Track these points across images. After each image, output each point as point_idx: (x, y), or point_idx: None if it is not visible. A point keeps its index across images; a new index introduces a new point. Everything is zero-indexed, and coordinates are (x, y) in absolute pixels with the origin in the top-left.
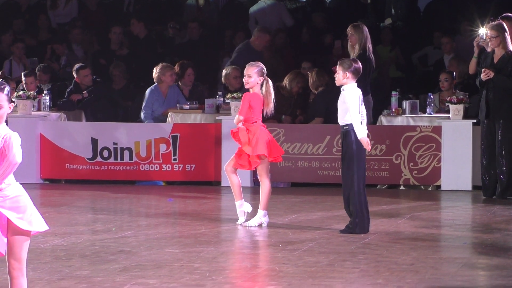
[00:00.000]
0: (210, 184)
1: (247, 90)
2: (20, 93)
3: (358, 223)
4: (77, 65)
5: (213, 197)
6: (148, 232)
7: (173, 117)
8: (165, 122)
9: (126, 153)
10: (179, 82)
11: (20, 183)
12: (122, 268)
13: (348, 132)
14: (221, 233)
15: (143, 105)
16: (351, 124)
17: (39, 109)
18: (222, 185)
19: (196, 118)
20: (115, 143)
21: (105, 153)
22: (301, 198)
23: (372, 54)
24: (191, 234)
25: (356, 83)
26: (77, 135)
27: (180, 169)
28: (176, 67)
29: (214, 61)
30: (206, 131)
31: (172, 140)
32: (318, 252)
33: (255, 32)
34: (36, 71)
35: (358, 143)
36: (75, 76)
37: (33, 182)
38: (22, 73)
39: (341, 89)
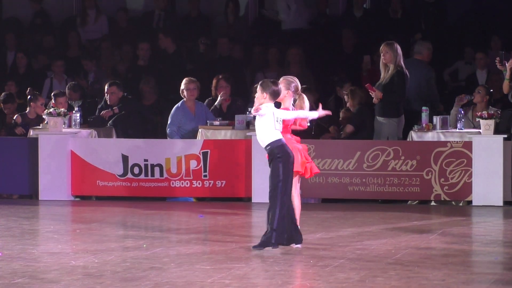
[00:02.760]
0: (241, 200)
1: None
2: (51, 110)
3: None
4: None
5: (243, 213)
6: (179, 248)
7: (203, 134)
8: (195, 138)
9: (156, 169)
10: (219, 96)
11: (51, 200)
12: (153, 284)
13: (271, 149)
14: (251, 250)
15: (168, 122)
16: (274, 141)
17: (69, 126)
18: (252, 201)
19: (226, 134)
20: (145, 160)
21: (136, 170)
22: (331, 214)
23: (407, 71)
24: (222, 251)
25: (273, 104)
26: (107, 152)
27: (210, 186)
28: (214, 82)
29: (244, 77)
30: (237, 147)
31: (202, 157)
32: (349, 268)
33: (421, 50)
34: (67, 89)
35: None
36: (105, 92)
37: (64, 199)
38: (52, 94)
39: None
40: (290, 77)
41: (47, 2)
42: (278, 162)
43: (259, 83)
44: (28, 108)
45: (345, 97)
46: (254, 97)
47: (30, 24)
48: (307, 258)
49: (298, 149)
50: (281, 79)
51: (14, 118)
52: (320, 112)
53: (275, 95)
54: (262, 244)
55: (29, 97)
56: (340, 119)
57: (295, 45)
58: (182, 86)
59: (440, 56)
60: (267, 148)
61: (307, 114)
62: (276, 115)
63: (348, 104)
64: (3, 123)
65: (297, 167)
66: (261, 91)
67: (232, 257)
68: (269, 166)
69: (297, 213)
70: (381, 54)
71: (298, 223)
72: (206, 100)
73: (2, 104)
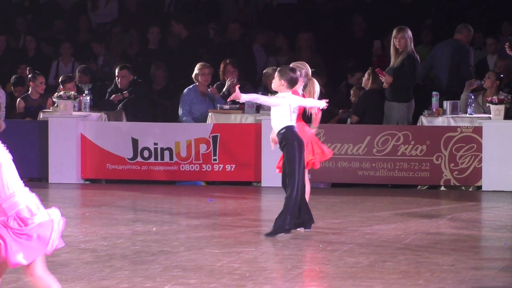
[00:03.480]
0: (250, 184)
1: None
2: (61, 93)
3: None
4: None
5: (253, 197)
6: (188, 232)
7: (213, 117)
8: (205, 122)
9: (166, 153)
10: (227, 80)
11: (61, 183)
12: (162, 268)
13: (285, 133)
14: (261, 234)
15: (180, 103)
16: (287, 127)
17: (79, 109)
18: (262, 185)
19: (236, 118)
20: (155, 143)
21: (146, 153)
22: (341, 198)
23: (417, 55)
24: (231, 235)
25: (290, 92)
26: (117, 135)
27: (220, 169)
28: (221, 67)
29: (254, 61)
30: (246, 131)
31: (212, 140)
32: (358, 253)
33: (461, 29)
34: (76, 72)
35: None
36: (116, 76)
37: (74, 182)
38: (60, 80)
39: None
40: (299, 63)
41: None
42: (293, 146)
43: (277, 69)
44: (30, 89)
45: (366, 75)
46: (266, 82)
47: (41, 8)
48: (316, 242)
49: (309, 139)
50: (290, 65)
51: (17, 103)
52: (324, 104)
53: (292, 83)
54: (275, 232)
55: (29, 76)
56: (352, 98)
57: (306, 30)
58: (196, 71)
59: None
60: (281, 132)
61: (315, 103)
62: (293, 105)
63: (363, 82)
64: (13, 106)
65: (307, 156)
66: (279, 78)
67: (241, 241)
68: (282, 151)
69: (306, 197)
70: (395, 40)
71: None
72: (214, 85)
73: (12, 87)
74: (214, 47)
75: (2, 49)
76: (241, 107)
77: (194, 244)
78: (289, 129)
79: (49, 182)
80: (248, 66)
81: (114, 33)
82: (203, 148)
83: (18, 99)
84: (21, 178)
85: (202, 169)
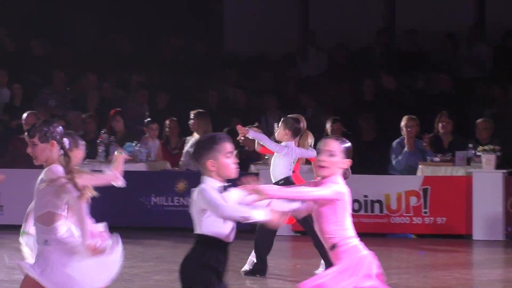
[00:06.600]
0: (461, 237)
1: None
2: None
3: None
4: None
5: (464, 251)
6: (398, 283)
7: (423, 170)
8: (415, 174)
9: (376, 205)
10: (439, 132)
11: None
12: None
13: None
14: (473, 286)
15: (392, 156)
16: (286, 178)
17: None
18: (473, 238)
19: (446, 170)
20: (365, 195)
21: (356, 206)
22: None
23: None
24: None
25: (293, 143)
26: None
27: (431, 222)
28: (437, 117)
29: (465, 113)
30: (457, 183)
31: (422, 193)
32: None
33: None
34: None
35: None
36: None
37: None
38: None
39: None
40: (298, 116)
41: (268, 39)
42: None
43: (282, 120)
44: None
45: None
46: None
47: (248, 60)
48: None
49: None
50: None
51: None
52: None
53: (296, 132)
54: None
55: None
56: None
57: None
58: (402, 123)
59: None
60: (280, 184)
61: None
62: (294, 156)
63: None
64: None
65: None
66: (283, 127)
67: None
68: None
69: None
70: None
71: None
72: (427, 137)
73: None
74: (424, 98)
75: (215, 102)
76: (451, 159)
77: None
78: (287, 181)
79: None
80: (462, 119)
81: (322, 85)
82: (413, 200)
83: None
84: None
85: (413, 222)
